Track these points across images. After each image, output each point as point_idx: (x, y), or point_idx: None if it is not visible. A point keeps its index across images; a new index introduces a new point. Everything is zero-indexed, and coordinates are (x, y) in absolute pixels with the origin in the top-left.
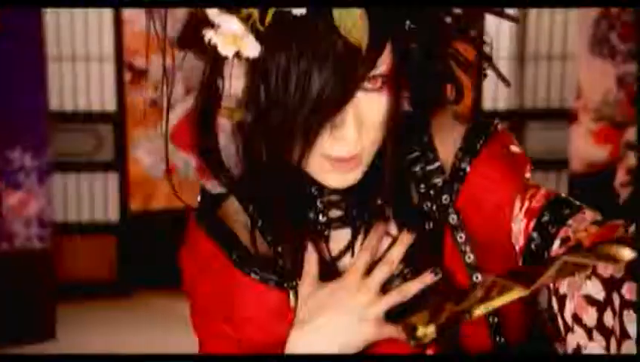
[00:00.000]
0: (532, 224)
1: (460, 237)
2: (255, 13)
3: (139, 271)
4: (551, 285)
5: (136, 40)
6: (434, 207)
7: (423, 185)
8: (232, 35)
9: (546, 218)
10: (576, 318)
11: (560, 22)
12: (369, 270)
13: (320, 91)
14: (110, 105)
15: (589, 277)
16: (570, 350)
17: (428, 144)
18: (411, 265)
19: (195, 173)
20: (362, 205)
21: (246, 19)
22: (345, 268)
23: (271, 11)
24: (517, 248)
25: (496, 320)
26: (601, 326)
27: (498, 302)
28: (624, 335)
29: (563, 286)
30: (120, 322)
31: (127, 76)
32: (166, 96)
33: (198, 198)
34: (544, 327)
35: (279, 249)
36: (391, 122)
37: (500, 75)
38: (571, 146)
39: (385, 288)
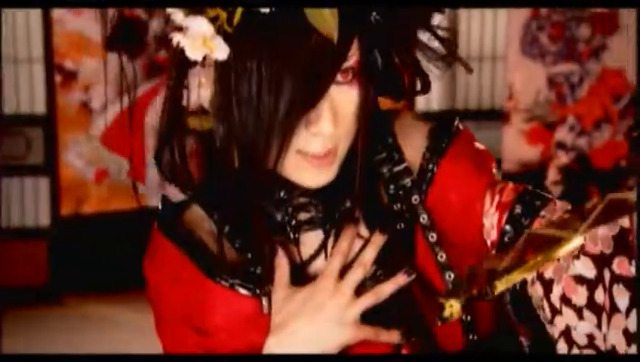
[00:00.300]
0: (504, 217)
1: (432, 237)
2: (223, 14)
3: (70, 276)
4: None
5: (66, 41)
6: (404, 208)
7: (392, 186)
8: (201, 38)
9: (518, 210)
10: (565, 299)
11: (490, 23)
12: (342, 273)
13: (295, 87)
14: (40, 108)
15: (577, 257)
16: (558, 332)
17: (393, 145)
18: (384, 266)
19: (128, 176)
20: (332, 206)
21: (214, 21)
22: (317, 271)
23: (239, 11)
24: (489, 243)
25: (469, 318)
26: (592, 304)
27: (548, 257)
28: (614, 309)
29: (548, 272)
30: (51, 329)
31: (58, 78)
32: (128, 98)
33: (159, 206)
34: (509, 322)
35: (248, 255)
36: (362, 116)
37: (464, 64)
38: (503, 146)
39: (358, 290)
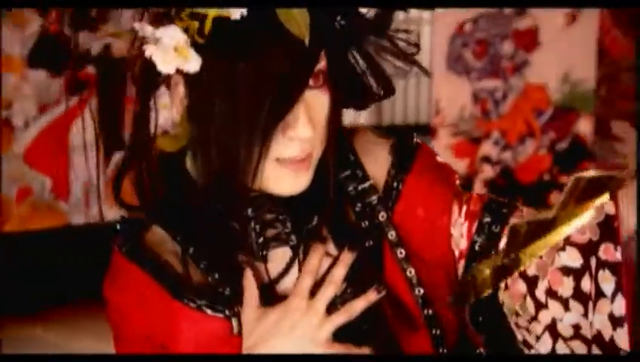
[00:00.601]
0: (474, 226)
1: (400, 253)
2: (194, 24)
3: None
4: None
5: None
6: (371, 225)
7: (358, 204)
8: (173, 48)
9: (487, 219)
10: (551, 293)
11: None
12: (313, 291)
13: (271, 92)
14: None
15: (562, 249)
16: (542, 328)
17: (355, 163)
18: (354, 283)
19: (50, 194)
20: (299, 222)
21: (184, 32)
22: (286, 288)
23: (209, 20)
24: (457, 253)
25: (438, 332)
26: (578, 293)
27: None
28: (599, 294)
29: (531, 269)
30: None
31: None
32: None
33: (118, 227)
34: (467, 332)
35: (215, 275)
36: (332, 123)
37: (422, 68)
38: None
39: (329, 308)
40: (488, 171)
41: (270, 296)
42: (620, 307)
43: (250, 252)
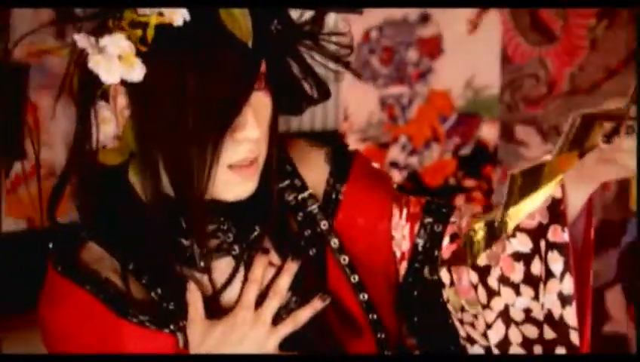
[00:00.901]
0: (416, 227)
1: (344, 260)
2: (136, 33)
3: None
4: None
5: None
6: (314, 234)
7: (300, 213)
8: (118, 57)
9: (428, 219)
10: (504, 279)
11: None
12: (258, 302)
13: (220, 96)
14: None
15: (513, 235)
16: (495, 314)
17: (293, 172)
18: (298, 292)
19: None
20: (241, 232)
21: (127, 40)
22: (230, 298)
23: (152, 29)
24: (398, 254)
25: (383, 336)
26: (528, 277)
27: None
28: (549, 275)
29: (481, 260)
30: None
31: None
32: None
33: (50, 245)
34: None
35: (158, 291)
36: (273, 127)
37: (353, 71)
38: None
39: (275, 318)
40: (396, 175)
41: (215, 307)
42: (568, 286)
43: (193, 264)
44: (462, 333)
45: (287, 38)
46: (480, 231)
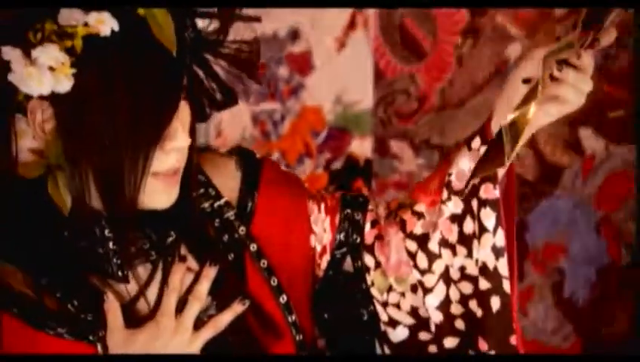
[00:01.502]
0: (337, 218)
1: (263, 264)
2: (65, 43)
3: None
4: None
5: None
6: (232, 239)
7: (217, 220)
8: (49, 68)
9: (347, 210)
10: (444, 242)
11: None
12: (178, 308)
13: (150, 105)
14: None
15: (449, 198)
16: (437, 277)
17: (207, 182)
18: (218, 297)
19: None
20: (158, 238)
21: (61, 51)
22: (149, 303)
23: (79, 39)
24: (319, 249)
25: (301, 337)
26: (462, 237)
27: None
28: (483, 230)
29: (417, 229)
30: None
31: None
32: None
33: None
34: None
35: (74, 302)
36: (193, 135)
37: (256, 79)
38: None
39: (196, 323)
40: None
41: (133, 315)
42: (500, 239)
43: (110, 273)
44: (384, 318)
45: (196, 46)
46: (528, 111)
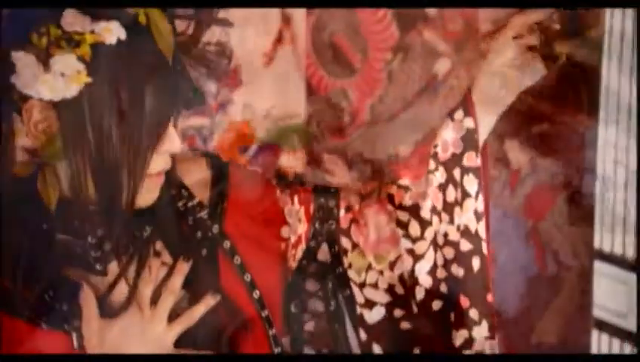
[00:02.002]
0: (312, 207)
1: (236, 260)
2: (78, 51)
3: None
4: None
5: None
6: (205, 236)
7: (190, 218)
8: (62, 73)
9: (322, 199)
10: (433, 209)
11: None
12: (153, 300)
13: (151, 110)
14: None
15: (436, 169)
16: (428, 243)
17: (180, 183)
18: (191, 290)
19: None
20: (133, 232)
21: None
22: (121, 297)
23: (86, 46)
24: (294, 240)
25: (274, 331)
26: (445, 205)
27: None
28: (466, 195)
29: (406, 200)
30: None
31: None
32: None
33: None
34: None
35: (50, 293)
36: None
37: (225, 81)
38: None
39: (170, 316)
40: None
41: (109, 305)
42: (481, 204)
43: (88, 266)
44: (360, 300)
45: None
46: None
